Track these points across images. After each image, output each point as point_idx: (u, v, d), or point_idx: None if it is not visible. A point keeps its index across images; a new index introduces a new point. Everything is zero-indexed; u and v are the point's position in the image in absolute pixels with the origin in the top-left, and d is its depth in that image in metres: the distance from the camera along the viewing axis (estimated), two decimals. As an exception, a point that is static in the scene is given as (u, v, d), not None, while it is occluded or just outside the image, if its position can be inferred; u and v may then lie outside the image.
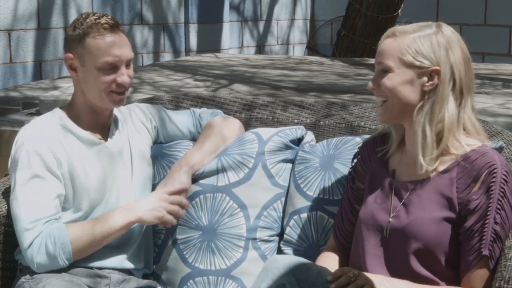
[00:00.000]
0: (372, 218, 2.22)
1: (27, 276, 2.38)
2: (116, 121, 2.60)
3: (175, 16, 8.03)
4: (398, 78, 2.13)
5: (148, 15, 7.75)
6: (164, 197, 2.49)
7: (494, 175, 2.05)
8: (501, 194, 2.05)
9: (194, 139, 2.73)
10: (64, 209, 2.45)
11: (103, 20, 2.44)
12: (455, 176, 2.11)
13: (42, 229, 2.36)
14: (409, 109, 2.14)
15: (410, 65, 2.12)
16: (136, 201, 2.50)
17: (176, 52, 8.07)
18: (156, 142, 2.73)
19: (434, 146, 2.11)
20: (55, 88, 5.18)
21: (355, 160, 2.38)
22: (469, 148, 2.12)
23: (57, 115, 2.51)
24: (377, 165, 2.28)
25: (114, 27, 2.46)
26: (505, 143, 2.42)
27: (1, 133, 4.11)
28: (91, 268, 2.45)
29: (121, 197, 2.52)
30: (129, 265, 2.53)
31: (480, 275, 2.05)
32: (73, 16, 6.70)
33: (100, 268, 2.47)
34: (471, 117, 2.15)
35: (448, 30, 2.14)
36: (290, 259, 2.13)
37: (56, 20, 6.84)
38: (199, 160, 2.61)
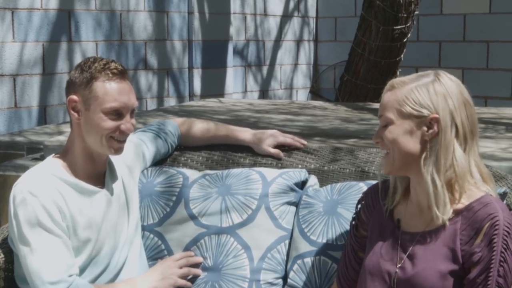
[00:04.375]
0: (378, 268, 2.21)
1: None
2: (111, 165, 2.58)
3: (179, 61, 8.08)
4: (398, 129, 2.14)
5: (152, 60, 7.80)
6: (172, 264, 2.58)
7: (496, 227, 2.04)
8: (504, 246, 2.04)
9: (171, 147, 2.87)
10: None
11: (112, 66, 2.43)
12: (459, 228, 2.10)
13: (70, 280, 2.33)
14: (412, 159, 2.14)
15: (408, 116, 2.13)
16: (147, 273, 2.56)
17: (180, 97, 8.11)
18: (144, 168, 2.80)
19: (446, 195, 2.10)
20: (60, 133, 5.19)
21: (359, 207, 2.37)
22: (472, 198, 2.12)
23: (52, 166, 2.46)
24: (382, 214, 2.28)
25: (122, 73, 2.45)
26: (509, 187, 2.41)
27: (6, 178, 4.09)
28: None
29: (119, 239, 2.54)
30: None
31: None
32: (78, 61, 6.72)
33: None
34: (479, 163, 2.15)
35: (446, 78, 2.14)
36: None
37: (61, 65, 6.89)
38: None
